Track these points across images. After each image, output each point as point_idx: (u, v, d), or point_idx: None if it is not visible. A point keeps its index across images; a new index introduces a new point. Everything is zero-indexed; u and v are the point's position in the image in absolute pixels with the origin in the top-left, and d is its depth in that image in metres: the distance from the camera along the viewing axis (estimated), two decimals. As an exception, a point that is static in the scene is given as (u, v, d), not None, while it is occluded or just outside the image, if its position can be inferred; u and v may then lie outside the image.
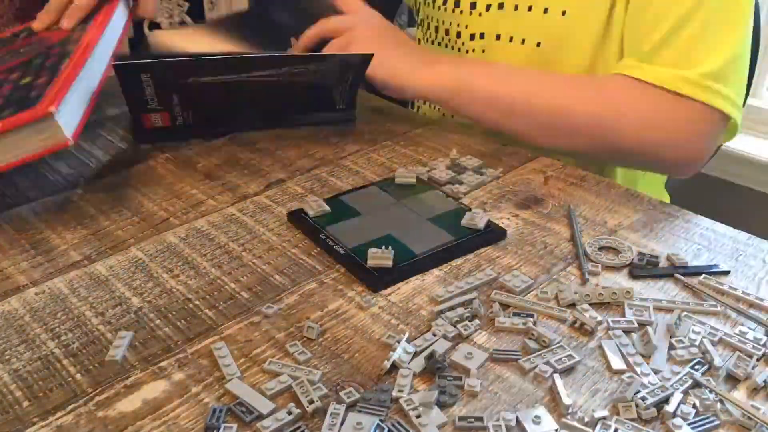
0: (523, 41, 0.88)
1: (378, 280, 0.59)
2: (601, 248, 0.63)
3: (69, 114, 0.65)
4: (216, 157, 0.79)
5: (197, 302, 0.57)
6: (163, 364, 0.51)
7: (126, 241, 0.65)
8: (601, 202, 0.71)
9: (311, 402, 0.47)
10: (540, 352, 0.51)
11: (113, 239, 0.65)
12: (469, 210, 0.67)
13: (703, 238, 0.65)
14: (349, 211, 0.68)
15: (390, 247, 0.60)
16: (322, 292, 0.58)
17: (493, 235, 0.65)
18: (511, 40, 0.89)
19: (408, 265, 0.60)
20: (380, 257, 0.60)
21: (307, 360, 0.51)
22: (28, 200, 0.72)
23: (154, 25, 2.28)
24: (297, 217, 0.67)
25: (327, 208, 0.67)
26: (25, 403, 0.48)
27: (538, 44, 0.87)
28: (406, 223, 0.66)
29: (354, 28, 0.83)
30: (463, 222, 0.66)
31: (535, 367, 0.50)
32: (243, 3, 2.17)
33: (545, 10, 0.86)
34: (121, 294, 0.58)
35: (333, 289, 0.59)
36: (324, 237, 0.63)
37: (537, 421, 0.45)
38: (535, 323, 0.54)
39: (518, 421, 0.46)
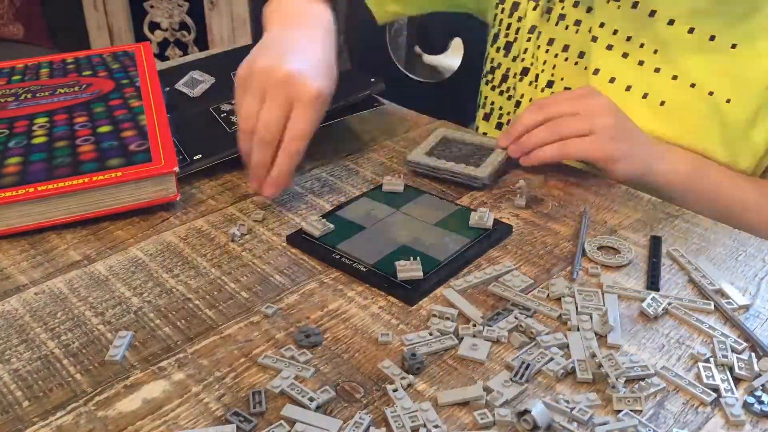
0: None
1: (413, 293, 0.57)
2: (600, 248, 0.63)
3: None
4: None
5: (197, 302, 0.57)
6: (163, 364, 0.51)
7: (126, 241, 0.65)
8: (601, 201, 0.71)
9: (311, 400, 0.47)
10: (526, 348, 0.52)
11: (113, 239, 0.65)
12: (474, 210, 0.67)
13: (703, 238, 0.65)
14: (352, 226, 0.66)
15: (418, 258, 0.59)
16: (322, 292, 0.58)
17: (501, 232, 0.65)
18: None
19: (437, 274, 0.59)
20: (410, 269, 0.58)
21: (308, 360, 0.51)
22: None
23: (154, 25, 2.28)
24: (299, 240, 0.64)
25: (331, 226, 0.65)
26: (25, 403, 0.48)
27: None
28: (416, 232, 0.65)
29: (594, 123, 0.71)
30: (471, 222, 0.65)
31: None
32: (243, 5, 2.17)
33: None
34: (121, 294, 0.58)
35: (333, 289, 0.59)
36: (339, 256, 0.61)
37: (507, 384, 0.49)
38: (527, 316, 0.55)
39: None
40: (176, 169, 0.68)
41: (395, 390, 0.48)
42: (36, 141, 0.73)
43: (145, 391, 0.49)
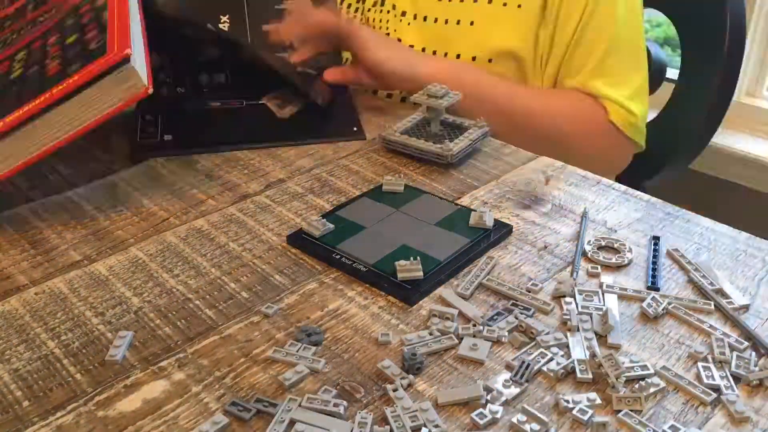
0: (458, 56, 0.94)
1: (413, 293, 0.57)
2: (600, 248, 0.63)
3: (138, 60, 0.64)
4: (216, 157, 0.79)
5: (197, 302, 0.57)
6: (163, 364, 0.51)
7: (126, 241, 0.65)
8: (601, 201, 0.71)
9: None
10: (525, 348, 0.52)
11: (113, 239, 0.65)
12: (474, 210, 0.67)
13: (702, 238, 0.65)
14: (352, 226, 0.65)
15: (418, 258, 0.59)
16: (322, 292, 0.58)
17: (501, 232, 0.65)
18: (445, 55, 0.95)
19: (437, 273, 0.59)
20: (409, 269, 0.58)
21: (314, 354, 0.51)
22: (28, 200, 0.71)
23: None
24: (299, 240, 0.64)
25: (331, 226, 0.64)
26: (25, 403, 0.48)
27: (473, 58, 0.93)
28: (416, 231, 0.65)
29: (359, 34, 0.86)
30: (472, 222, 0.65)
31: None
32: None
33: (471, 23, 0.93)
34: (121, 294, 0.58)
35: (333, 289, 0.59)
36: (339, 256, 0.61)
37: (507, 384, 0.49)
38: (527, 316, 0.55)
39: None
40: (128, 51, 0.61)
41: (395, 390, 0.48)
42: (13, 76, 0.69)
43: (145, 391, 0.49)
